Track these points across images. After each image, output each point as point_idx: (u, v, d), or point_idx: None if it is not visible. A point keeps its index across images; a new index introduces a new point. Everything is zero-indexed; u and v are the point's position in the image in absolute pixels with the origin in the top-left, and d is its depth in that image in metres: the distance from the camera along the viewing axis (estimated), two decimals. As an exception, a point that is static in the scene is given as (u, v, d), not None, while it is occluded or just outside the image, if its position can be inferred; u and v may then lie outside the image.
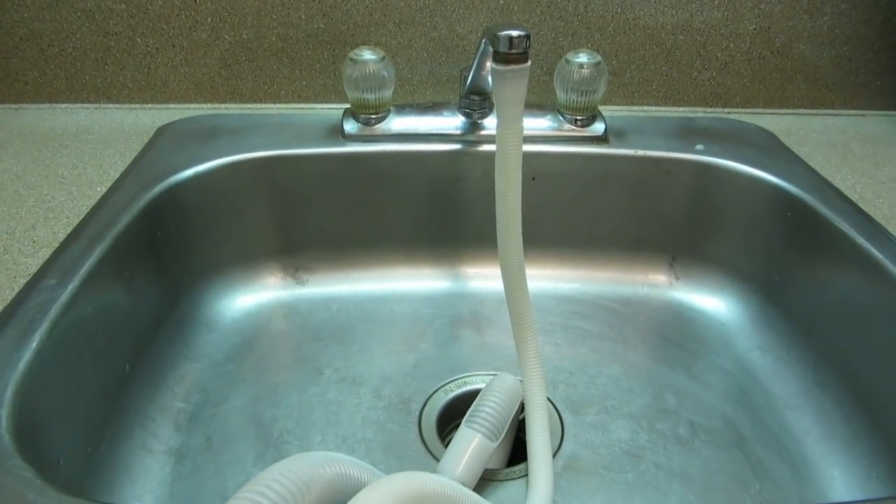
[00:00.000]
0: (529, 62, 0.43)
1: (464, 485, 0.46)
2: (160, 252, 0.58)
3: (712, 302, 0.66)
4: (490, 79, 0.59)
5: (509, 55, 0.43)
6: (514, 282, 0.51)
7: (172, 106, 0.74)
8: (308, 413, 0.55)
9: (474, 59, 0.57)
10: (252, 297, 0.66)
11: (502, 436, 0.49)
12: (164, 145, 0.64)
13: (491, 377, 0.56)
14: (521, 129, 0.45)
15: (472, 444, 0.47)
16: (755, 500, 0.49)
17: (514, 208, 0.48)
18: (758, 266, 0.64)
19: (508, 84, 0.43)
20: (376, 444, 0.52)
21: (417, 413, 0.55)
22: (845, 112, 0.77)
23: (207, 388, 0.57)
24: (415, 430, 0.53)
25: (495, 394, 0.50)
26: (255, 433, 0.53)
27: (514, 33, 0.42)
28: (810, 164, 0.64)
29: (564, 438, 0.53)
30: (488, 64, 0.58)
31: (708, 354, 0.62)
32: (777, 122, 0.74)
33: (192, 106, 0.74)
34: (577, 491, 0.49)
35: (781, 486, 0.50)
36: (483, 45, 0.54)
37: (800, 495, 0.49)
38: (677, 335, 0.64)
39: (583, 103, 0.64)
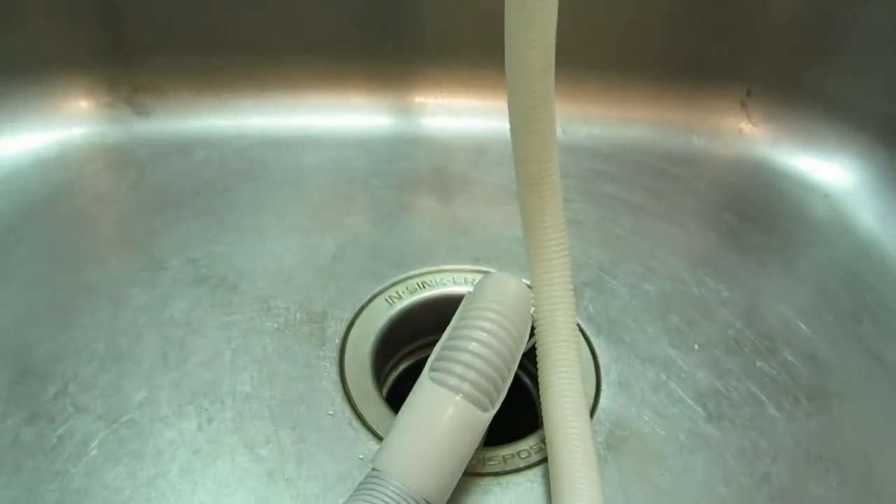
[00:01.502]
0: None
1: (427, 503, 0.22)
2: None
3: (810, 160, 0.42)
4: None
5: None
6: (532, 111, 0.25)
7: None
8: (127, 343, 0.29)
9: None
10: (50, 132, 0.38)
11: (502, 398, 0.25)
12: None
13: (469, 276, 0.32)
14: None
15: (446, 423, 0.23)
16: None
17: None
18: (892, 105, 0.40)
19: None
20: (258, 407, 0.27)
21: (338, 342, 0.30)
22: None
23: (-67, 293, 0.30)
24: (333, 375, 0.28)
25: (488, 314, 0.25)
26: (5, 389, 0.27)
27: None
28: None
29: (602, 386, 0.29)
30: None
31: (815, 242, 0.38)
32: None
33: None
34: (633, 491, 0.26)
35: None
36: None
37: None
38: (761, 211, 0.40)
39: None
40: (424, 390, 0.24)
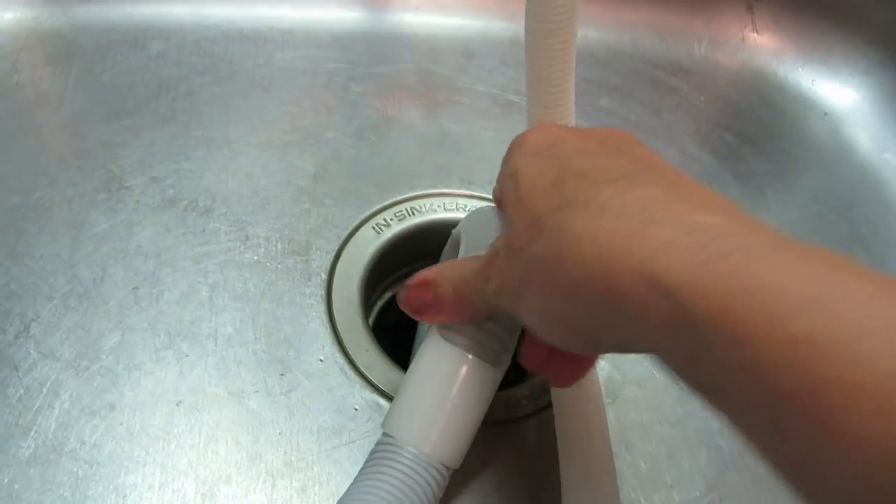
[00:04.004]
0: None
1: (446, 468, 0.21)
2: None
3: (813, 74, 0.40)
4: None
5: None
6: (552, 33, 0.23)
7: None
8: (91, 277, 0.26)
9: None
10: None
11: (512, 351, 0.23)
12: None
13: (460, 200, 0.30)
14: None
15: (459, 382, 0.21)
16: None
17: None
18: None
19: None
20: (243, 353, 0.25)
21: (324, 277, 0.28)
22: None
23: None
24: (321, 314, 0.27)
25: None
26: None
27: None
28: None
29: (600, 326, 0.28)
30: None
31: (814, 166, 0.37)
32: None
33: None
34: (633, 441, 0.25)
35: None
36: None
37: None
38: (761, 131, 0.38)
39: None
40: (434, 349, 0.22)
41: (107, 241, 0.27)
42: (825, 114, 0.39)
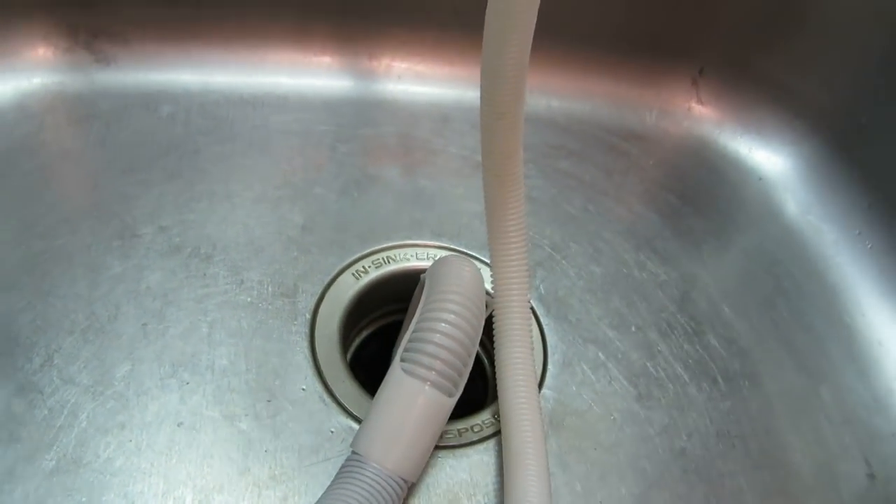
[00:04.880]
0: None
1: (404, 480, 0.25)
2: None
3: (749, 143, 0.45)
4: None
5: None
6: (503, 100, 0.27)
7: None
8: (106, 315, 0.30)
9: None
10: (7, 81, 0.37)
11: (464, 383, 0.28)
12: None
13: (430, 251, 0.35)
14: None
15: (417, 410, 0.26)
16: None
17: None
18: (833, 98, 0.43)
19: None
20: (236, 381, 0.29)
21: (308, 317, 0.32)
22: None
23: None
24: (304, 350, 0.31)
25: (450, 306, 0.27)
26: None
27: None
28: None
29: (548, 365, 0.33)
30: None
31: (746, 227, 0.42)
32: None
33: None
34: (570, 463, 0.29)
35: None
36: None
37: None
38: (701, 193, 0.43)
39: None
40: (396, 380, 0.26)
41: (120, 282, 0.31)
42: (760, 178, 0.44)
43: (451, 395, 0.26)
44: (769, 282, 0.39)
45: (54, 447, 0.26)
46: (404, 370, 0.26)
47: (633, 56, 0.45)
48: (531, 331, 0.29)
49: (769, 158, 0.44)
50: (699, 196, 0.42)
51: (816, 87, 0.43)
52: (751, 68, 0.45)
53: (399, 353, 0.27)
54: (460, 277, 0.28)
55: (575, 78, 0.45)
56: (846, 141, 0.42)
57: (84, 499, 0.25)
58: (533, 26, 0.24)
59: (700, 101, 0.46)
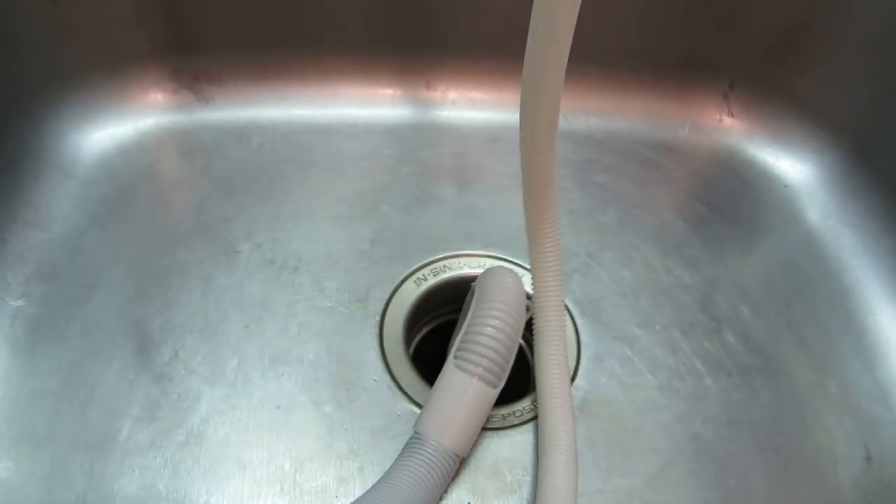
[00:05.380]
0: None
1: (456, 455, 0.31)
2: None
3: (776, 153, 0.49)
4: None
5: None
6: (539, 148, 0.32)
7: None
8: (217, 319, 0.37)
9: None
10: (129, 122, 0.44)
11: (506, 377, 0.33)
12: None
13: (481, 260, 0.40)
14: None
15: (467, 399, 0.32)
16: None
17: (560, 42, 0.27)
18: (855, 111, 0.46)
19: None
20: (321, 373, 0.36)
21: (378, 319, 0.38)
22: None
23: (61, 273, 0.38)
24: (375, 346, 0.37)
25: (495, 313, 0.33)
26: (133, 356, 0.35)
27: None
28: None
29: (581, 360, 0.38)
30: None
31: (769, 232, 0.46)
32: None
33: None
34: (597, 443, 0.35)
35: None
36: None
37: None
38: (729, 200, 0.47)
39: None
40: (450, 374, 0.32)
41: (227, 291, 0.38)
42: (785, 186, 0.48)
43: (495, 387, 0.32)
44: (787, 283, 0.43)
45: (183, 425, 0.33)
46: (457, 366, 0.32)
47: (666, 74, 0.49)
48: (565, 331, 0.35)
49: (794, 167, 0.48)
50: (727, 204, 0.47)
51: (838, 101, 0.46)
52: (778, 83, 0.48)
53: (453, 351, 0.33)
54: (504, 287, 0.34)
55: (612, 97, 0.50)
56: (866, 151, 0.45)
57: (208, 464, 0.32)
58: (562, 79, 0.29)
59: (731, 114, 0.50)
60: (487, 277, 0.35)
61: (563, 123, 0.48)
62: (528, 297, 0.35)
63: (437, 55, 0.47)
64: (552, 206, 0.34)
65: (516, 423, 0.35)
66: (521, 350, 0.41)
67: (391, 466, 0.30)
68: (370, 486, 0.30)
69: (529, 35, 0.28)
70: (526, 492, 0.33)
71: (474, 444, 0.34)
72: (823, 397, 0.38)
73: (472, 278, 0.37)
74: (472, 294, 0.35)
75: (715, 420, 0.36)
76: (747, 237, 0.45)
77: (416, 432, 0.31)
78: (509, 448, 0.34)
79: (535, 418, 0.35)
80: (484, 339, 0.32)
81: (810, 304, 0.42)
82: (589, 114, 0.49)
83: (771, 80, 0.48)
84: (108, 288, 0.37)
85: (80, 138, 0.42)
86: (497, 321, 0.33)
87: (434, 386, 0.33)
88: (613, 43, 0.48)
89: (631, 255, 0.43)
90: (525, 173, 0.33)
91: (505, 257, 0.42)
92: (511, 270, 0.35)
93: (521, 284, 0.35)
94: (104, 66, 0.43)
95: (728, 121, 0.50)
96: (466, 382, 0.32)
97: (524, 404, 0.36)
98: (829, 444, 0.37)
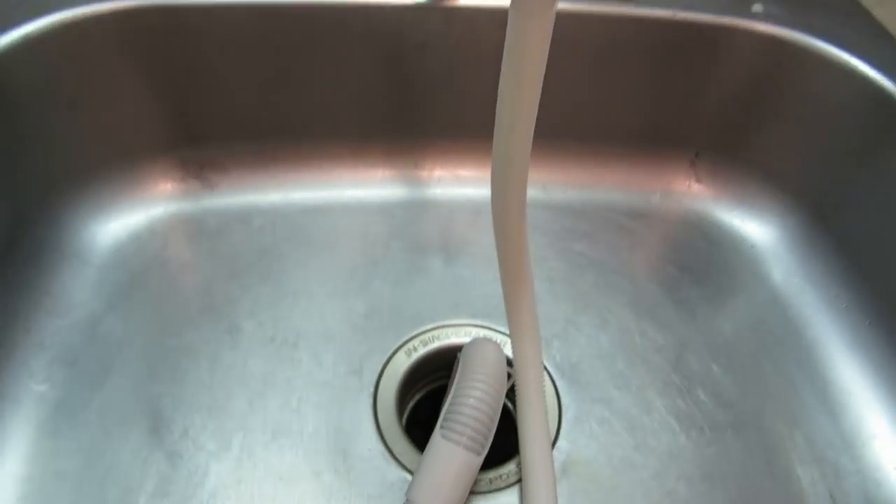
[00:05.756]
0: None
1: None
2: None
3: (742, 215, 0.52)
4: None
5: None
6: (509, 231, 0.35)
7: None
8: (223, 395, 0.40)
9: None
10: (140, 211, 0.48)
11: (489, 444, 0.36)
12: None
13: (467, 329, 0.43)
14: (552, 18, 0.27)
15: (454, 467, 0.35)
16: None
17: (523, 141, 0.31)
18: (811, 177, 0.49)
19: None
20: (320, 444, 0.39)
21: (372, 390, 0.41)
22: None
23: (79, 358, 0.41)
24: (369, 417, 0.40)
25: (477, 385, 0.36)
26: (147, 434, 0.38)
27: None
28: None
29: (562, 422, 0.41)
30: None
31: (737, 291, 0.49)
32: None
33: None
34: (576, 500, 0.38)
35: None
36: None
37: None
38: (699, 262, 0.50)
39: (606, -61, 0.44)
40: (437, 444, 0.35)
41: (231, 368, 0.41)
42: (752, 246, 0.51)
43: (479, 454, 0.35)
44: (755, 340, 0.46)
45: (193, 499, 0.36)
46: (443, 436, 0.35)
47: (637, 146, 0.53)
48: (544, 398, 0.38)
49: (759, 229, 0.51)
50: (697, 265, 0.50)
51: (795, 168, 0.50)
52: (740, 151, 0.52)
53: (440, 421, 0.36)
54: (485, 359, 0.37)
55: (588, 169, 0.53)
56: (823, 213, 0.49)
57: (218, 535, 0.35)
58: (527, 173, 0.33)
59: (698, 181, 0.53)
60: (470, 349, 0.38)
61: (541, 194, 0.52)
62: (510, 363, 0.38)
63: (424, 137, 0.51)
64: (527, 282, 0.37)
65: (502, 486, 0.38)
66: (507, 411, 0.44)
67: (384, 533, 0.33)
68: (366, 552, 0.33)
69: (495, 136, 0.32)
70: (511, 552, 0.35)
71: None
72: (791, 449, 0.41)
73: (460, 347, 0.40)
74: (458, 363, 0.39)
75: (689, 476, 0.39)
76: (717, 297, 0.48)
77: (407, 500, 0.34)
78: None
79: (520, 481, 0.38)
80: (467, 409, 0.35)
81: (777, 359, 0.45)
82: (566, 185, 0.53)
83: (733, 148, 0.52)
84: (123, 370, 0.41)
85: (96, 229, 0.46)
86: (479, 392, 0.36)
87: (423, 455, 0.35)
88: (587, 119, 0.52)
89: (607, 318, 0.46)
90: (500, 254, 0.36)
91: (490, 326, 0.45)
92: (493, 341, 0.38)
93: (502, 354, 0.38)
94: (118, 162, 0.47)
95: (696, 187, 0.54)
96: (453, 451, 0.35)
97: (510, 468, 0.39)
98: (797, 494, 0.39)
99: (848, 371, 0.44)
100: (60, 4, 0.40)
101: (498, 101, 0.30)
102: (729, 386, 0.43)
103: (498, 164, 0.33)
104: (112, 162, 0.47)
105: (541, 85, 0.29)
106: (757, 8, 0.47)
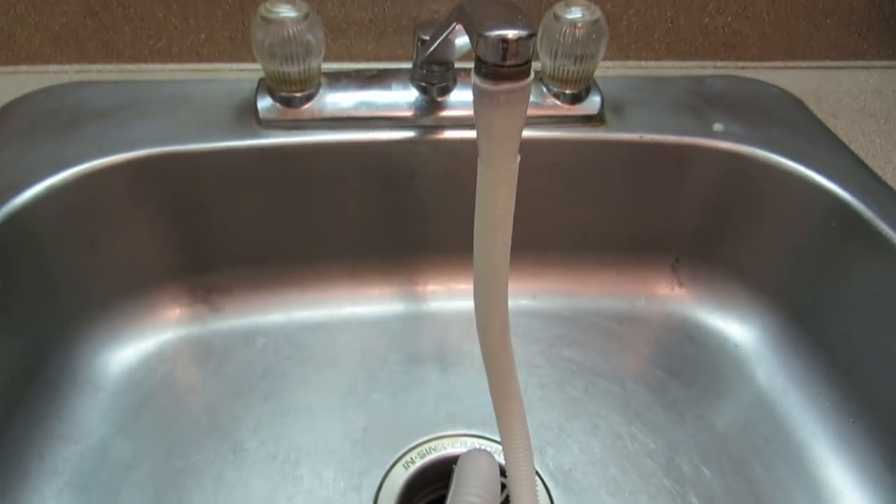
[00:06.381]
0: (532, 76, 0.28)
1: None
2: (11, 305, 0.42)
3: (723, 317, 0.55)
4: (455, 51, 0.43)
5: (502, 69, 0.27)
6: (495, 351, 0.38)
7: (24, 69, 0.55)
8: (228, 515, 0.42)
9: (439, 28, 0.41)
10: (150, 337, 0.51)
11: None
12: (4, 140, 0.46)
13: (463, 439, 0.45)
14: (516, 171, 0.31)
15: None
16: None
17: (500, 272, 0.34)
18: (784, 279, 0.52)
19: (501, 112, 0.28)
20: (320, 561, 0.40)
21: (371, 501, 0.43)
22: (878, 63, 0.64)
23: (89, 483, 0.43)
24: (369, 532, 0.41)
25: (470, 499, 0.38)
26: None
27: (511, 34, 0.27)
28: (852, 146, 0.51)
29: (559, 530, 0.42)
30: (457, 30, 0.41)
31: (723, 393, 0.50)
32: (800, 80, 0.60)
33: (51, 68, 0.55)
34: None
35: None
36: (453, 23, 0.38)
37: None
38: (685, 364, 0.52)
39: (575, 73, 0.49)
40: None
41: (235, 488, 0.43)
42: (735, 346, 0.53)
43: (475, 565, 0.36)
44: (743, 442, 0.47)
45: None
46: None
47: (620, 254, 0.56)
48: (538, 507, 0.39)
49: (740, 329, 0.54)
50: (683, 368, 0.52)
51: (769, 270, 0.53)
52: (717, 255, 0.55)
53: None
54: (478, 471, 0.39)
55: (575, 277, 0.56)
56: (799, 314, 0.51)
57: None
58: (506, 297, 0.35)
59: (680, 284, 0.56)
60: (465, 460, 0.40)
61: (531, 303, 0.55)
62: (504, 472, 0.40)
63: (418, 255, 0.54)
64: (515, 396, 0.39)
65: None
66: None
67: None
68: None
69: (474, 267, 0.35)
70: None
71: None
72: (784, 553, 0.42)
73: (456, 457, 0.41)
74: (454, 474, 0.40)
75: (683, 583, 0.40)
76: (704, 398, 0.50)
77: None
78: None
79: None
80: (462, 522, 0.37)
81: (767, 460, 0.46)
82: (555, 293, 0.56)
83: (711, 253, 0.55)
84: (131, 494, 0.42)
85: (108, 355, 0.48)
86: (473, 499, 0.37)
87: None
88: (570, 232, 0.55)
89: (598, 424, 0.48)
90: (488, 370, 0.38)
91: (485, 435, 0.47)
92: (486, 452, 0.40)
93: (495, 465, 0.40)
94: (131, 291, 0.50)
95: (679, 290, 0.56)
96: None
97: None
98: None
99: (837, 471, 0.45)
100: (79, 158, 0.44)
101: (475, 239, 0.33)
102: (720, 489, 0.44)
103: (480, 297, 0.36)
104: (126, 292, 0.50)
105: (510, 223, 0.32)
106: (718, 127, 0.51)
